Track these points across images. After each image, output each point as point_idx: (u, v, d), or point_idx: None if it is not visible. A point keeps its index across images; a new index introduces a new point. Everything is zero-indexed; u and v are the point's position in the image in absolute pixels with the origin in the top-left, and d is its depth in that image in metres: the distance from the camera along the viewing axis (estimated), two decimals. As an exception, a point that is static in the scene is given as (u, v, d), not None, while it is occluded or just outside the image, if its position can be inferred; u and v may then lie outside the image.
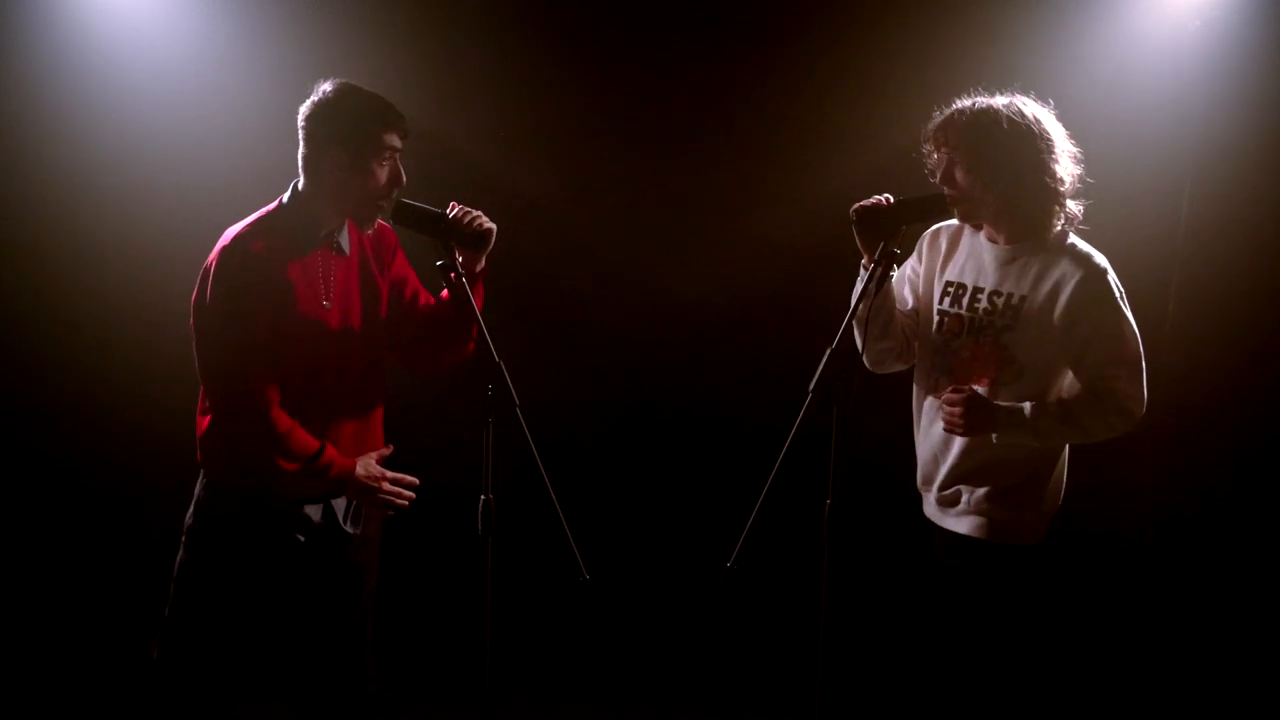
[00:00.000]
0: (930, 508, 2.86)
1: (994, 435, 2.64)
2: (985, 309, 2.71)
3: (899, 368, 2.92)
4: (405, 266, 2.90)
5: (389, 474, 2.80)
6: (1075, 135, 2.69)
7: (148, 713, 2.80)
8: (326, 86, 2.65)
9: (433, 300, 2.92)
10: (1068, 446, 2.78)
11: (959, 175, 2.66)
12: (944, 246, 2.85)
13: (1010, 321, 2.68)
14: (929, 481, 2.85)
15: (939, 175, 2.69)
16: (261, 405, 2.60)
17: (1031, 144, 2.61)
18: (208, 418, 2.71)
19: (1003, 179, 2.62)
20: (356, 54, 3.82)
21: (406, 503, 2.81)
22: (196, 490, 2.77)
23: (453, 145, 4.04)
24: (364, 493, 2.76)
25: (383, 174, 2.64)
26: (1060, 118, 2.68)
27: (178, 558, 2.77)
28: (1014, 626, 2.75)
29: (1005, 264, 2.71)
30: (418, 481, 2.82)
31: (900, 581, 3.12)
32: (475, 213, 2.74)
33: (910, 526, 2.94)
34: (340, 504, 2.81)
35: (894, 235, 2.69)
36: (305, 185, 2.67)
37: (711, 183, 4.19)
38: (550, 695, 3.97)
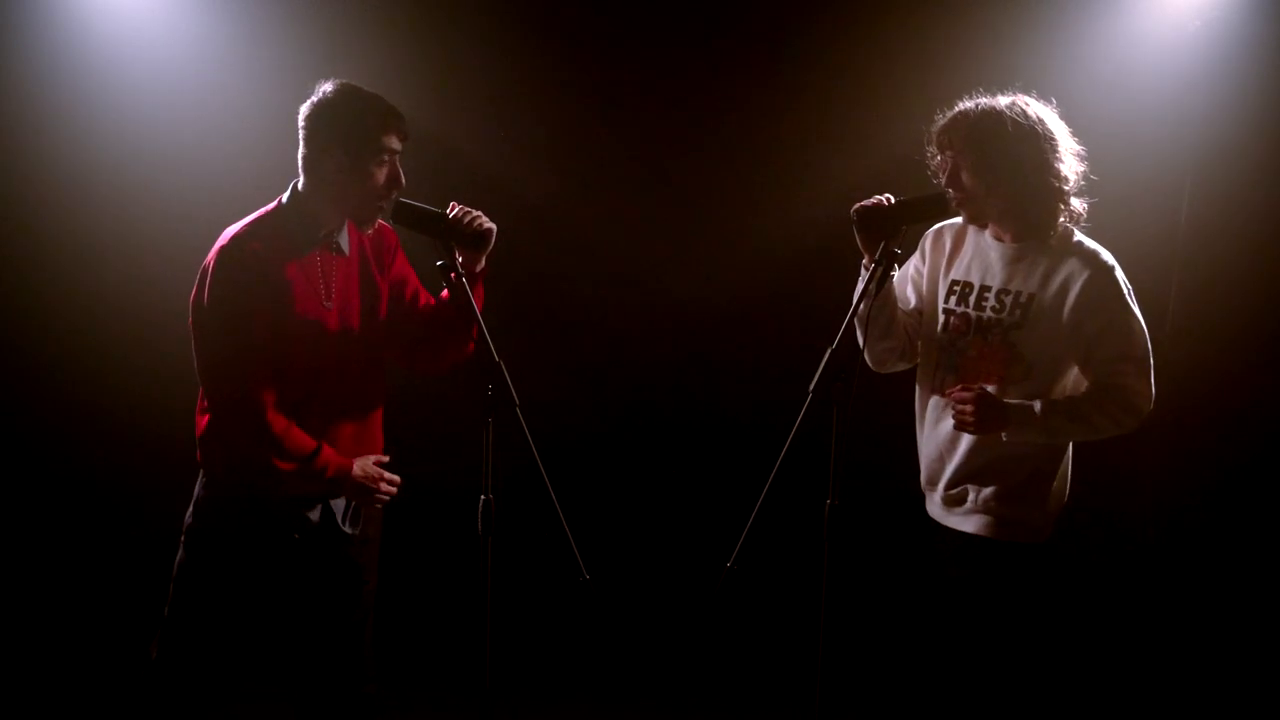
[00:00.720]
0: (935, 507, 2.86)
1: (1004, 433, 2.64)
2: (993, 307, 2.72)
3: (901, 367, 2.92)
4: (405, 267, 2.90)
5: (385, 474, 2.81)
6: (1076, 135, 2.70)
7: (148, 713, 2.80)
8: (327, 87, 2.65)
9: (433, 301, 2.93)
10: (1072, 444, 2.79)
11: (965, 177, 2.67)
12: (948, 245, 2.85)
13: (1019, 319, 2.69)
14: (934, 481, 2.84)
15: (945, 178, 2.70)
16: (258, 405, 2.60)
17: (1036, 144, 2.62)
18: (206, 417, 2.71)
19: (1008, 180, 2.64)
20: (357, 54, 3.82)
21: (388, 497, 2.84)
22: (196, 490, 2.78)
23: (453, 146, 4.04)
24: (361, 492, 2.77)
25: (382, 175, 2.64)
26: (1061, 117, 2.69)
27: (177, 557, 2.77)
28: (1021, 625, 2.75)
29: (1013, 262, 2.72)
30: (400, 480, 2.85)
31: (901, 582, 3.11)
32: (475, 213, 2.74)
33: (911, 527, 2.93)
34: (339, 504, 2.81)
35: (894, 235, 2.69)
36: (305, 185, 2.67)
37: (712, 182, 4.19)
38: (550, 695, 3.97)
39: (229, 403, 2.64)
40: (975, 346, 2.74)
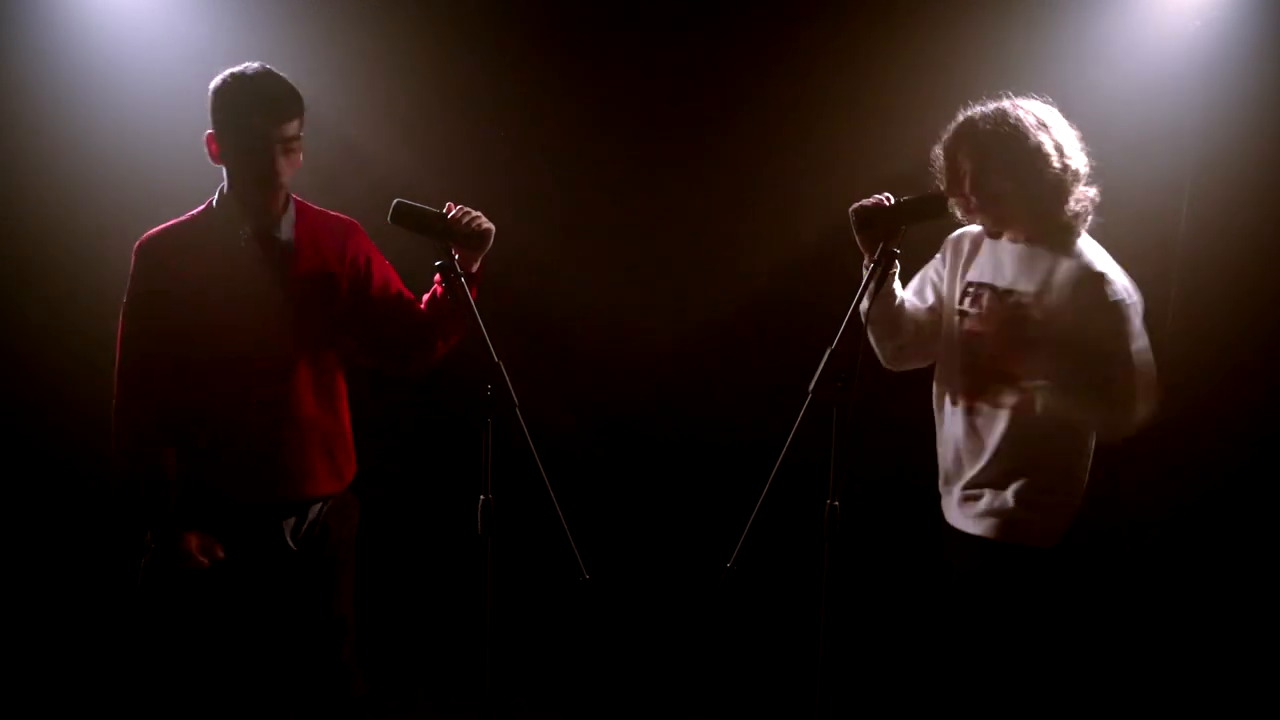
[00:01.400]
0: (950, 509, 2.86)
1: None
2: (999, 304, 2.72)
3: (919, 364, 2.92)
4: (375, 263, 2.88)
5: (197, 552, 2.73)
6: (1075, 125, 2.69)
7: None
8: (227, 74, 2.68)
9: (416, 301, 2.91)
10: (1091, 447, 2.79)
11: (982, 183, 2.67)
12: (966, 249, 2.87)
13: (1023, 319, 2.69)
14: (950, 482, 2.85)
15: (955, 184, 2.70)
16: (132, 415, 2.69)
17: (1044, 147, 2.63)
18: None
19: (1020, 183, 2.64)
20: (357, 54, 3.82)
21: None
22: None
23: (453, 147, 4.04)
24: (173, 557, 2.71)
25: (263, 161, 2.64)
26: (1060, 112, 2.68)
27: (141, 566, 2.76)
28: (1028, 629, 2.75)
29: (1022, 262, 2.72)
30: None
31: (903, 582, 3.12)
32: (473, 213, 2.74)
33: (911, 527, 2.94)
34: (290, 523, 2.79)
35: (894, 235, 2.69)
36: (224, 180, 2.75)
37: (712, 183, 4.19)
38: (550, 695, 3.97)
39: (115, 398, 2.71)
40: (987, 347, 2.74)
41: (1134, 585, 4.17)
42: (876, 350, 2.85)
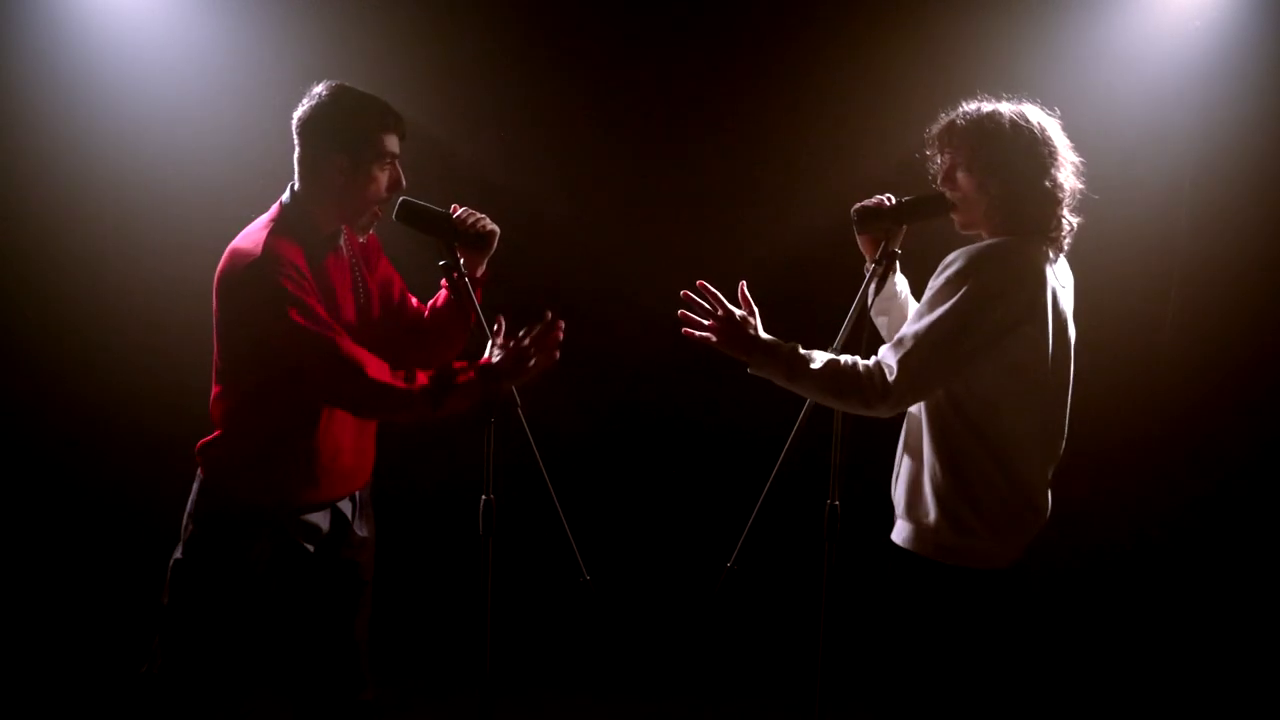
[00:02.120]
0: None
1: (748, 365, 2.55)
2: None
3: None
4: (390, 269, 2.88)
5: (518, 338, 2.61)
6: (1075, 136, 2.64)
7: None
8: (321, 89, 2.59)
9: (420, 304, 2.91)
10: (1044, 460, 2.60)
11: (960, 177, 2.62)
12: None
13: None
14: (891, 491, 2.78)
15: (940, 177, 2.67)
16: (367, 373, 2.51)
17: (1033, 149, 2.53)
18: (220, 429, 2.66)
19: (1002, 182, 2.54)
20: (357, 55, 3.82)
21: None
22: (193, 497, 2.70)
23: (455, 148, 4.04)
24: (518, 369, 2.57)
25: (383, 179, 2.60)
26: (1060, 118, 2.66)
27: (172, 565, 2.70)
28: (948, 649, 2.58)
29: None
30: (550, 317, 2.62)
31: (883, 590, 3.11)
32: (479, 215, 2.75)
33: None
34: (346, 506, 2.79)
35: (894, 235, 2.69)
36: (304, 189, 2.61)
37: (713, 183, 4.19)
38: (550, 695, 3.97)
39: (350, 388, 2.54)
40: None
41: (1133, 584, 4.18)
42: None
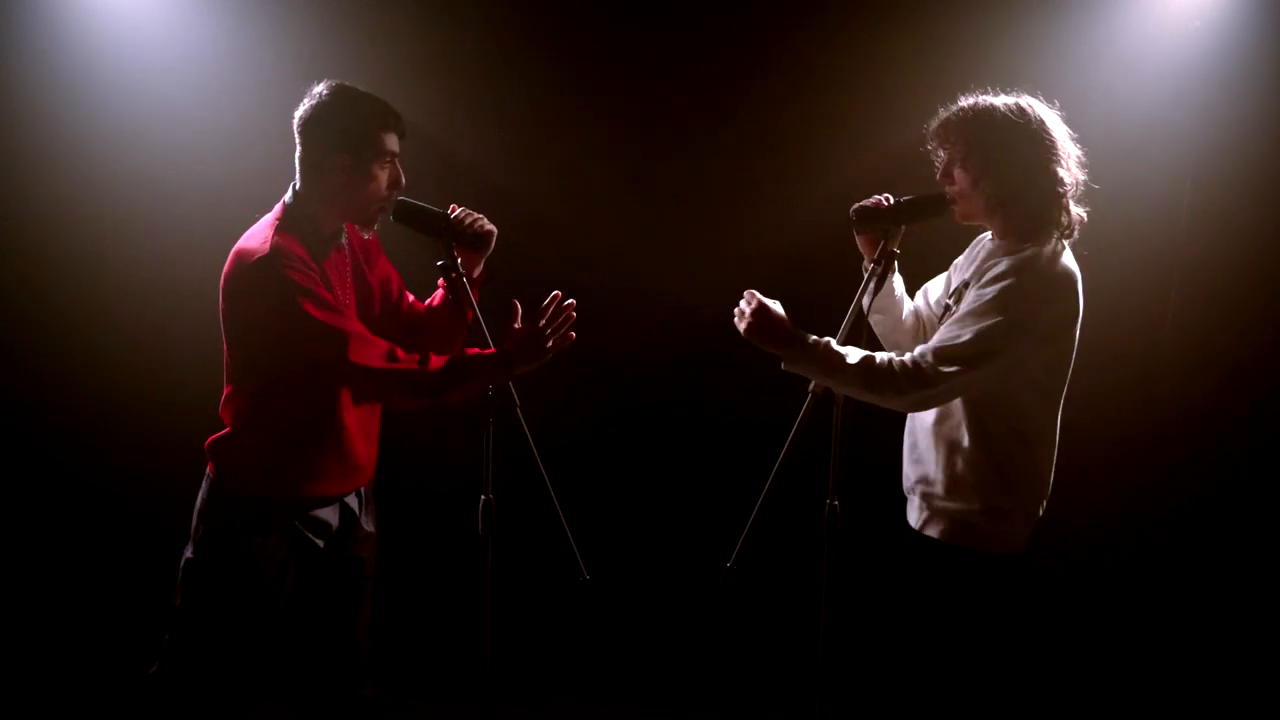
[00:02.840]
0: (910, 509, 2.82)
1: (781, 360, 2.56)
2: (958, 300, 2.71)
3: None
4: (389, 267, 2.89)
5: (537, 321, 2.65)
6: (1074, 135, 2.65)
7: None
8: (322, 88, 2.61)
9: (418, 302, 2.92)
10: (1055, 449, 2.68)
11: (957, 172, 2.63)
12: (978, 246, 2.84)
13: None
14: (906, 480, 2.81)
15: (940, 173, 2.67)
16: (368, 364, 2.54)
17: (1031, 144, 2.54)
18: (231, 421, 2.67)
19: (999, 176, 2.56)
20: (357, 55, 3.82)
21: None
22: (202, 494, 2.71)
23: (454, 148, 4.04)
24: (534, 349, 2.61)
25: (384, 177, 2.61)
26: (1062, 118, 2.65)
27: (184, 564, 2.70)
28: (983, 633, 2.66)
29: (990, 260, 2.68)
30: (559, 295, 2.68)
31: (893, 585, 3.12)
32: (477, 215, 2.76)
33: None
34: (354, 501, 2.80)
35: (893, 235, 2.69)
36: (305, 188, 2.63)
37: (712, 183, 4.19)
38: (550, 695, 3.97)
39: (366, 374, 2.56)
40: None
41: (1133, 584, 4.18)
42: (884, 344, 2.86)
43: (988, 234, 2.76)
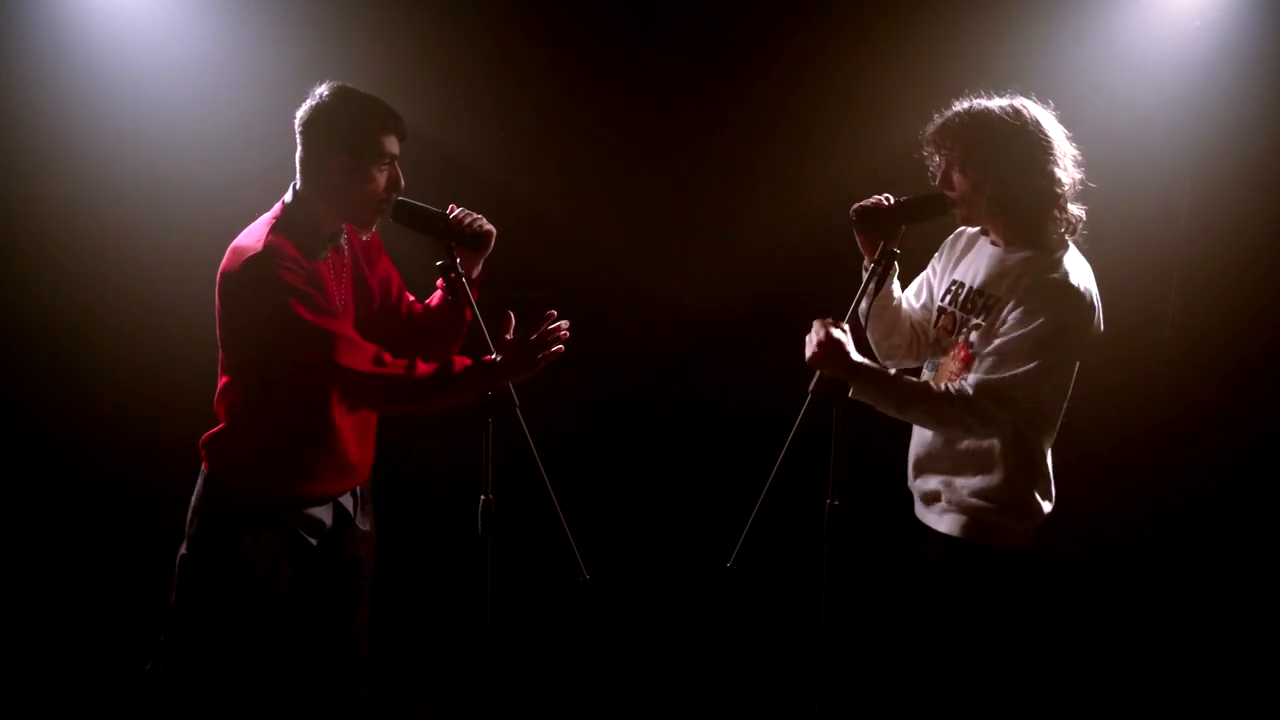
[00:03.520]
0: (918, 506, 2.85)
1: (850, 388, 2.58)
2: (969, 308, 2.71)
3: (910, 363, 2.91)
4: (389, 267, 2.89)
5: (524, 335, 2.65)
6: (1075, 136, 2.65)
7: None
8: (323, 90, 2.61)
9: (415, 302, 2.92)
10: (1049, 449, 2.72)
11: (955, 177, 2.64)
12: (960, 247, 2.86)
13: (979, 320, 2.67)
14: (915, 477, 2.83)
15: (938, 178, 2.68)
16: (360, 369, 2.55)
17: (1027, 146, 2.56)
18: (224, 418, 2.68)
19: (997, 180, 2.57)
20: (358, 55, 3.82)
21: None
22: (197, 492, 2.72)
23: (453, 148, 4.04)
24: (524, 361, 2.60)
25: (383, 178, 2.62)
26: (1060, 118, 2.65)
27: (179, 563, 2.71)
28: (994, 629, 2.71)
29: (999, 265, 2.69)
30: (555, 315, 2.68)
31: (900, 582, 3.12)
32: (476, 215, 2.76)
33: (910, 527, 2.94)
34: (348, 501, 2.81)
35: (894, 235, 2.69)
36: (305, 188, 2.64)
37: (711, 184, 4.19)
38: (550, 695, 3.97)
39: (354, 378, 2.56)
40: (952, 346, 2.73)
41: (1132, 583, 4.18)
42: (874, 348, 2.86)
43: (970, 230, 2.80)
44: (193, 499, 2.72)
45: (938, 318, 2.80)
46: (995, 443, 2.65)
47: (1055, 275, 2.57)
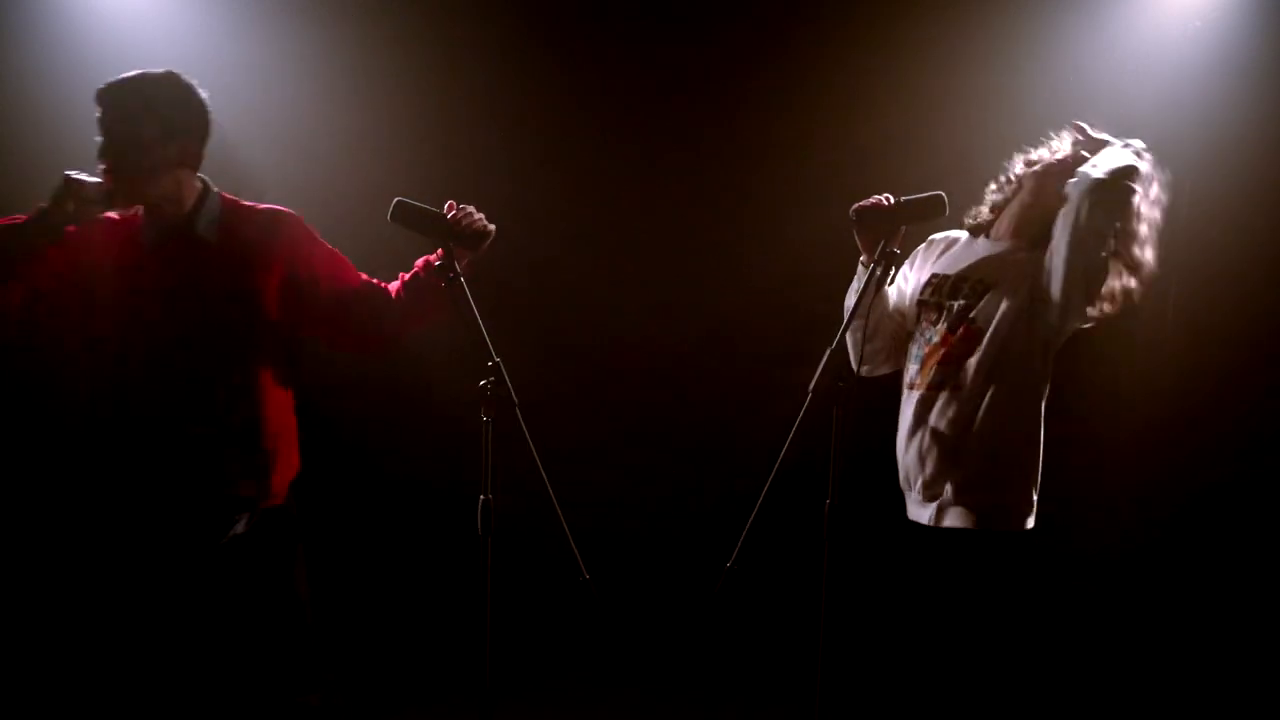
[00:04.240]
0: (914, 508, 2.85)
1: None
2: (957, 291, 2.75)
3: (887, 370, 2.93)
4: (317, 255, 2.79)
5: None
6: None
7: None
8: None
9: (361, 283, 2.84)
10: (1042, 432, 2.78)
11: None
12: (938, 251, 2.89)
13: (975, 300, 2.72)
14: (910, 481, 2.83)
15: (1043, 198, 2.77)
16: None
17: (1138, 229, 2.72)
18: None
19: (1095, 247, 2.66)
20: (357, 55, 3.82)
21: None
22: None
23: (453, 147, 4.04)
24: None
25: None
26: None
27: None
28: (1007, 615, 2.74)
29: (993, 254, 2.71)
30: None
31: (900, 582, 3.12)
32: (474, 213, 2.73)
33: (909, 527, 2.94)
34: (216, 525, 2.70)
35: (893, 235, 2.70)
36: None
37: (712, 184, 4.19)
38: (550, 695, 3.97)
39: None
40: (940, 333, 2.75)
41: (1132, 583, 4.18)
42: (851, 352, 2.81)
43: (947, 234, 2.88)
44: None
45: (918, 312, 2.81)
46: (979, 430, 2.69)
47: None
